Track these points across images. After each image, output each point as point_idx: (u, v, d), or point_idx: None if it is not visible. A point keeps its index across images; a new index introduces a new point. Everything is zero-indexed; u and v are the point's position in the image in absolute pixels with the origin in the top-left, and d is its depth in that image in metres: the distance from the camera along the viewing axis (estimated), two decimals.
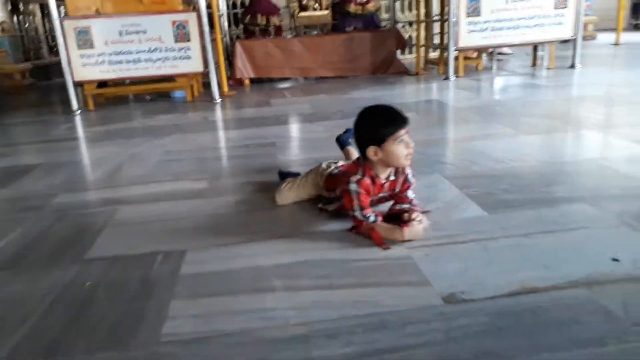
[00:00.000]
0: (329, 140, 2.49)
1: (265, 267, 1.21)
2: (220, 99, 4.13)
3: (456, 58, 4.41)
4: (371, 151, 1.31)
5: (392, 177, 1.38)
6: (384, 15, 6.43)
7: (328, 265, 1.20)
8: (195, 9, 3.98)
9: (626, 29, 8.72)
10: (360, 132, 1.37)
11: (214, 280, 1.18)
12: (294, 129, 2.96)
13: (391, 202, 1.45)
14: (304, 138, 2.75)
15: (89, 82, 3.99)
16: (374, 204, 1.40)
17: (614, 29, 6.51)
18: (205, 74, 4.11)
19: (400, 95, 3.87)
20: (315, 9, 5.36)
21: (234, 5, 6.72)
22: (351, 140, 1.94)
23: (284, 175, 1.83)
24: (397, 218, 1.37)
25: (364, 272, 1.16)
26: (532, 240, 1.25)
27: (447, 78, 4.36)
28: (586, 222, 1.33)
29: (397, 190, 1.41)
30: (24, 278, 1.26)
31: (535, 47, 4.84)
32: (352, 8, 5.29)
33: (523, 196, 1.54)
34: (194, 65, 3.97)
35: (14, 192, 2.01)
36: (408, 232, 1.28)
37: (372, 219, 1.32)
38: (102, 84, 4.19)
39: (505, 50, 5.79)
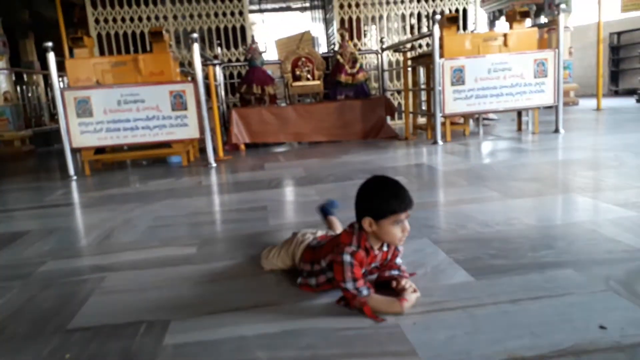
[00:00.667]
0: (320, 203, 2.53)
1: (249, 337, 1.19)
2: (215, 164, 4.20)
3: (443, 124, 4.56)
4: (366, 222, 1.28)
5: (384, 248, 1.37)
6: (374, 84, 6.70)
7: (313, 335, 1.18)
8: (193, 79, 4.15)
9: (606, 95, 9.08)
10: (361, 199, 1.32)
11: (196, 351, 1.16)
12: (287, 192, 2.99)
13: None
14: (295, 201, 2.78)
15: (87, 148, 4.07)
16: (365, 274, 1.37)
17: (594, 94, 6.78)
18: (202, 140, 4.21)
19: (390, 159, 3.96)
20: (308, 79, 5.58)
21: (231, 76, 7.00)
22: (334, 210, 1.95)
23: None
24: (385, 285, 1.36)
25: (350, 341, 1.14)
26: (519, 306, 1.24)
27: (435, 143, 4.48)
28: (573, 287, 1.33)
29: (388, 259, 1.40)
30: (3, 350, 1.24)
31: (520, 113, 5.02)
32: (343, 78, 5.52)
33: (510, 261, 1.55)
34: (190, 132, 4.07)
35: (1, 260, 1.99)
36: (406, 306, 1.24)
37: (364, 292, 1.26)
38: (100, 150, 4.26)
39: (490, 115, 6.00)
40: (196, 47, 4.07)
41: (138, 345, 1.21)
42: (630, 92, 8.82)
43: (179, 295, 1.49)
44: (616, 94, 9.99)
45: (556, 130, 4.63)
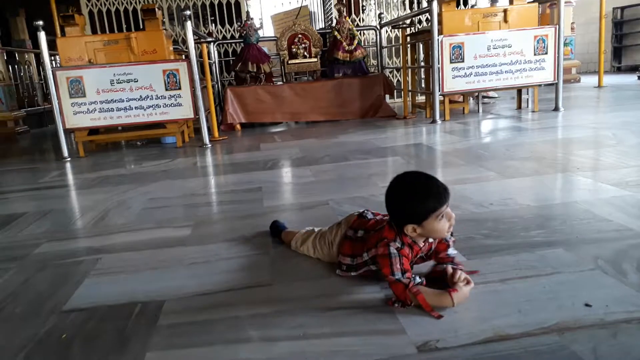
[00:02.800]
0: (317, 184, 2.54)
1: (242, 316, 1.21)
2: (210, 144, 4.19)
3: (442, 102, 4.53)
4: (409, 229, 1.19)
5: (430, 240, 1.27)
6: (372, 62, 6.63)
7: (305, 315, 1.20)
8: (187, 58, 4.10)
9: (608, 72, 9.00)
10: (395, 207, 1.23)
11: (190, 331, 1.17)
12: (282, 173, 2.99)
13: (431, 264, 1.34)
14: (291, 182, 2.78)
15: (80, 129, 4.05)
16: (412, 267, 1.27)
17: (596, 71, 6.72)
18: (196, 120, 4.19)
19: (388, 139, 3.94)
20: (304, 57, 5.52)
21: (226, 54, 6.92)
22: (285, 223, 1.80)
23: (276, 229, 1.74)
24: (438, 280, 1.25)
25: (341, 320, 1.16)
26: (509, 285, 1.25)
27: (434, 121, 4.46)
28: (562, 266, 1.34)
29: (432, 249, 1.30)
30: (0, 331, 1.25)
31: (520, 90, 4.98)
32: (340, 55, 5.46)
33: (502, 241, 1.56)
34: (185, 111, 4.05)
35: None
36: (457, 297, 1.14)
37: (418, 280, 1.18)
38: (93, 131, 4.24)
39: (490, 93, 5.95)
40: (189, 24, 4.01)
41: (133, 325, 1.22)
42: (633, 69, 8.74)
43: (173, 276, 1.50)
44: (619, 70, 9.89)
45: (556, 109, 4.60)
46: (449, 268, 1.23)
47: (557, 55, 4.45)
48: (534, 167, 2.54)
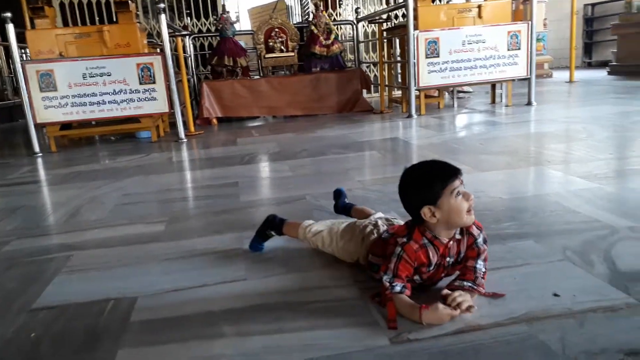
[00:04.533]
0: (294, 179, 2.54)
1: (216, 312, 1.20)
2: (186, 139, 4.14)
3: (418, 97, 4.57)
4: (427, 213, 1.10)
5: (457, 236, 1.16)
6: (350, 56, 6.64)
7: (280, 309, 1.20)
8: (162, 51, 4.04)
9: (579, 67, 9.20)
10: (408, 196, 1.16)
11: (163, 327, 1.16)
12: (259, 168, 2.98)
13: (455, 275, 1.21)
14: (268, 177, 2.77)
15: (52, 124, 3.96)
16: (433, 273, 1.18)
17: (568, 67, 6.86)
18: (172, 114, 4.13)
19: (365, 133, 3.96)
20: (281, 51, 5.49)
21: (202, 47, 6.83)
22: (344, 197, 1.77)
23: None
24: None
25: (315, 314, 1.16)
26: None
27: (410, 116, 4.50)
28: (532, 257, 1.37)
29: (462, 253, 1.18)
30: None
31: (494, 85, 5.06)
32: (317, 50, 5.45)
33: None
34: (159, 106, 3.99)
35: None
36: (427, 316, 1.05)
37: (397, 288, 1.11)
38: (66, 125, 4.15)
39: (465, 88, 6.03)
40: (163, 17, 3.95)
41: (104, 323, 1.20)
42: (603, 64, 8.94)
43: (147, 273, 1.49)
44: (589, 65, 10.12)
45: (529, 103, 4.69)
46: (464, 287, 1.13)
47: (529, 50, 4.53)
48: (506, 161, 2.59)
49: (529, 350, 0.96)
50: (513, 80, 4.72)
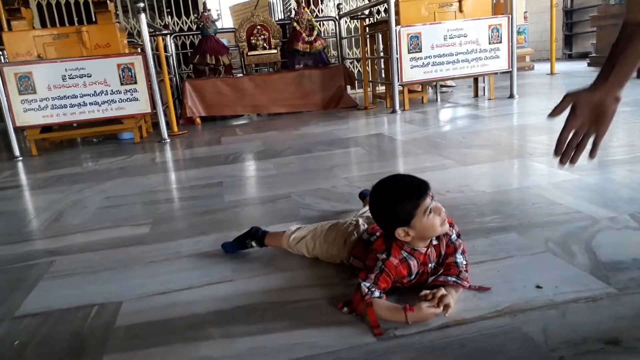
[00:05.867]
0: (279, 177, 2.53)
1: (202, 314, 1.20)
2: (169, 139, 4.11)
3: (401, 92, 4.59)
4: (401, 233, 1.12)
5: (434, 242, 1.18)
6: (333, 52, 6.63)
7: (265, 309, 1.20)
8: (142, 51, 3.99)
9: (560, 59, 9.31)
10: (381, 216, 1.17)
11: (149, 331, 1.15)
12: (244, 167, 2.97)
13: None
14: (253, 176, 2.76)
15: (32, 127, 3.89)
16: (417, 280, 1.18)
17: (549, 59, 6.93)
18: (154, 115, 4.09)
19: (349, 129, 3.96)
20: (264, 48, 5.46)
21: (184, 46, 6.77)
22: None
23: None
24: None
25: (300, 313, 1.16)
26: None
27: (393, 111, 4.51)
28: (515, 250, 1.39)
29: (442, 253, 1.20)
30: None
31: (476, 79, 5.10)
32: (300, 46, 5.43)
33: (458, 227, 1.59)
34: (141, 106, 3.95)
35: None
36: (412, 316, 1.05)
37: (376, 294, 1.10)
38: (46, 128, 4.08)
39: (448, 82, 6.06)
40: (143, 17, 3.90)
41: (89, 328, 1.19)
42: (583, 56, 9.06)
43: (131, 276, 1.47)
44: (570, 57, 10.24)
45: (511, 96, 4.73)
46: (449, 284, 1.14)
47: (510, 43, 4.57)
48: (489, 154, 2.61)
49: (513, 343, 0.97)
50: (495, 73, 4.76)
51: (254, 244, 1.54)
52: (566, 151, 1.02)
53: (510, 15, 4.53)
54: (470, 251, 1.39)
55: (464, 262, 1.19)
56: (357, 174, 2.54)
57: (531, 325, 1.02)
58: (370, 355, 0.97)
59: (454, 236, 1.21)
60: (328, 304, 1.19)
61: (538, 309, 1.08)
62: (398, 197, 1.13)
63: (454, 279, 1.15)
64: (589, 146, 1.01)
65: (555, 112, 1.02)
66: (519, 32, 7.25)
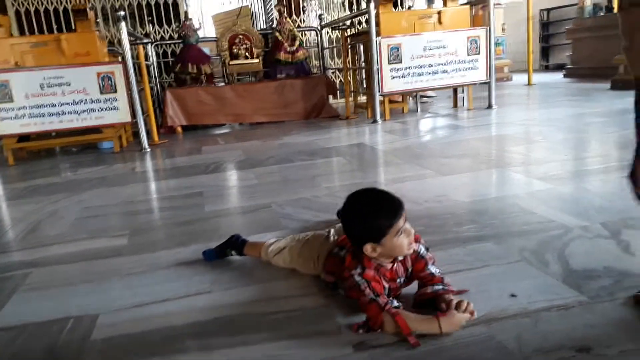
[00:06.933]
0: (260, 187, 2.54)
1: (179, 326, 1.19)
2: (149, 149, 4.07)
3: (382, 102, 4.63)
4: (369, 249, 1.12)
5: (400, 257, 1.19)
6: (315, 62, 6.67)
7: (244, 321, 1.20)
8: (123, 60, 3.97)
9: (537, 70, 9.50)
10: (352, 230, 1.17)
11: (126, 344, 1.14)
12: (225, 177, 2.96)
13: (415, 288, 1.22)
14: (233, 186, 2.76)
15: (8, 136, 3.83)
16: (389, 294, 1.17)
17: (527, 70, 7.08)
18: (134, 124, 4.06)
19: (331, 139, 3.99)
20: (246, 57, 5.47)
21: (165, 55, 6.74)
22: None
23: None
24: (430, 305, 1.14)
25: (280, 325, 1.17)
26: None
27: (374, 121, 4.55)
28: (491, 259, 1.41)
29: (410, 269, 1.21)
30: None
31: (455, 90, 5.18)
32: (282, 56, 5.46)
33: (435, 237, 1.62)
34: (121, 115, 3.91)
35: None
36: (446, 324, 1.04)
37: (395, 303, 1.10)
38: (24, 137, 4.02)
39: (428, 93, 6.14)
40: (123, 25, 3.88)
41: (64, 341, 1.18)
42: (559, 67, 9.25)
43: (109, 289, 1.46)
44: (547, 68, 10.46)
45: (489, 107, 4.82)
46: (440, 294, 1.15)
47: (489, 55, 4.66)
48: (467, 164, 2.66)
49: (488, 351, 0.99)
50: (474, 84, 4.84)
51: (233, 252, 1.55)
52: None
53: (488, 27, 4.63)
54: (446, 260, 1.42)
55: (438, 271, 1.21)
56: (338, 184, 2.56)
57: (505, 333, 1.04)
58: None
59: (422, 251, 1.22)
60: (306, 315, 1.19)
61: (512, 317, 1.10)
62: (373, 213, 1.13)
63: (441, 287, 1.16)
64: None
65: None
66: (497, 44, 7.39)
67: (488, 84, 4.77)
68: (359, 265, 1.15)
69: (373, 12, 4.33)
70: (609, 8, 7.49)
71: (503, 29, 8.27)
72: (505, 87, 7.05)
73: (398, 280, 1.19)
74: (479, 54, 4.63)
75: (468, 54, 4.60)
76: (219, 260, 1.58)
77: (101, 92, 3.82)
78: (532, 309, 1.12)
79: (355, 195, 1.19)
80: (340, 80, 7.02)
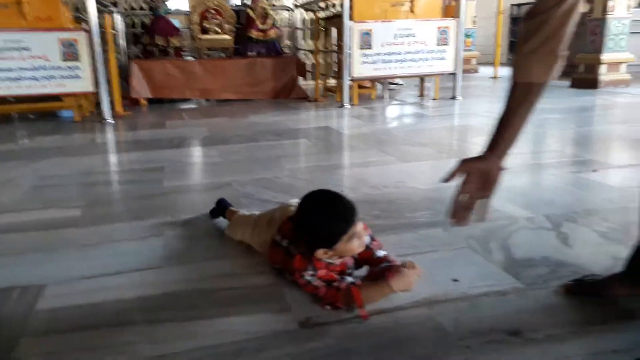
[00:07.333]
0: (222, 165, 2.53)
1: (129, 299, 1.20)
2: (112, 120, 3.98)
3: (351, 87, 4.65)
4: (321, 253, 1.14)
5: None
6: (287, 42, 6.61)
7: (195, 296, 1.21)
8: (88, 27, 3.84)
9: (504, 64, 9.69)
10: (306, 234, 1.17)
11: (72, 315, 1.14)
12: (187, 152, 2.93)
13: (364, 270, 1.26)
14: (195, 162, 2.74)
15: None
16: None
17: (494, 63, 7.22)
18: (97, 94, 3.95)
19: (298, 121, 3.99)
20: (217, 32, 5.37)
21: (133, 25, 6.53)
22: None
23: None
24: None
25: (230, 301, 1.19)
26: None
27: (342, 106, 4.57)
28: (439, 245, 1.47)
29: (356, 257, 1.24)
30: None
31: (423, 79, 5.24)
32: (254, 34, 5.39)
33: (390, 221, 1.67)
34: (83, 85, 3.80)
35: None
36: (396, 282, 1.11)
37: (349, 279, 1.15)
38: None
39: (396, 80, 6.20)
40: None
41: (8, 311, 1.17)
42: None
43: (60, 259, 1.44)
44: None
45: (454, 97, 4.91)
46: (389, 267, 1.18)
47: (457, 46, 4.73)
48: (429, 153, 2.72)
49: (426, 332, 1.04)
50: (441, 74, 4.91)
51: (221, 217, 1.67)
52: (459, 212, 1.08)
53: (458, 19, 4.69)
54: (398, 244, 1.47)
55: (384, 253, 1.24)
56: (302, 165, 2.58)
57: (444, 316, 1.09)
58: (292, 342, 1.01)
59: (368, 241, 1.23)
60: (256, 293, 1.22)
61: (452, 301, 1.15)
62: (327, 220, 1.13)
63: (385, 264, 1.20)
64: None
65: (449, 178, 1.07)
66: (467, 36, 7.50)
67: (454, 75, 4.84)
68: (309, 267, 1.15)
69: None
70: None
71: (474, 22, 8.38)
72: (472, 78, 7.18)
73: (349, 270, 1.23)
74: (447, 44, 4.70)
75: (437, 44, 4.66)
76: (174, 237, 1.58)
77: (63, 59, 3.69)
78: (471, 294, 1.18)
79: (309, 200, 1.18)
80: (312, 63, 6.99)
